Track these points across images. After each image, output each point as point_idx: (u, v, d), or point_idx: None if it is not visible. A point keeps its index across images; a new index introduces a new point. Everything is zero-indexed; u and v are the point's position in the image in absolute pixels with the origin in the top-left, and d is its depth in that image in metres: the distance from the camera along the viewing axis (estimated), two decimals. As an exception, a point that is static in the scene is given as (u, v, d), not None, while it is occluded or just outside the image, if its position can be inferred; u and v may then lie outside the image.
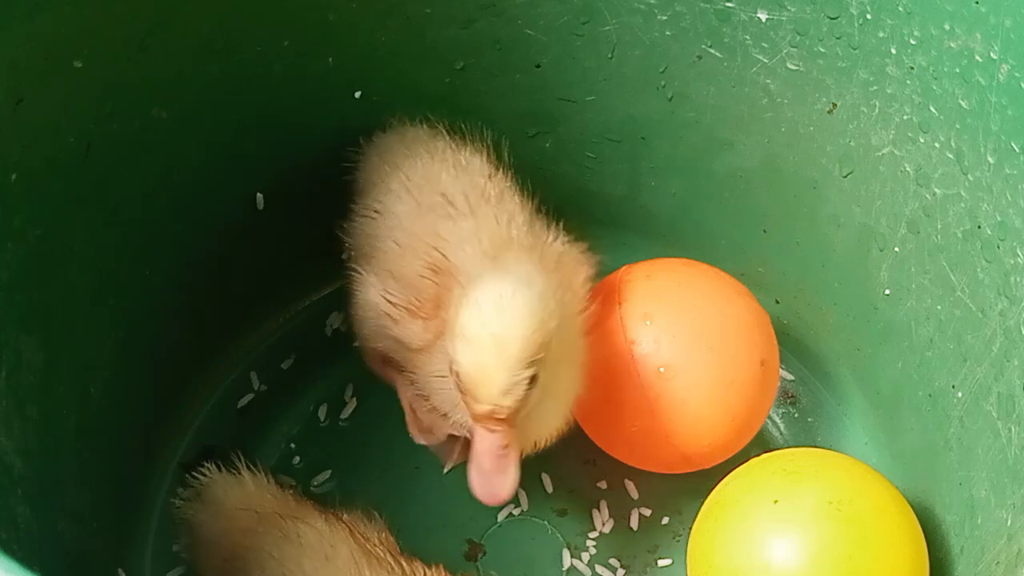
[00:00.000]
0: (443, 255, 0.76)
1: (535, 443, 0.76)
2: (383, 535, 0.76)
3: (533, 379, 0.68)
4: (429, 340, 0.76)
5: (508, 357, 0.67)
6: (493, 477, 0.70)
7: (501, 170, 0.82)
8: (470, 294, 0.69)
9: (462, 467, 0.87)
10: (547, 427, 0.76)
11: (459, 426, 0.78)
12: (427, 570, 0.74)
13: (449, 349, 0.70)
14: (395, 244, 0.79)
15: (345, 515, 0.77)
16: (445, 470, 0.87)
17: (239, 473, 0.78)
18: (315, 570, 0.72)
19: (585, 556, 0.85)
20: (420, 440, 0.87)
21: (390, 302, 0.78)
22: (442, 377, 0.74)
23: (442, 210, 0.78)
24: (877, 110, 0.76)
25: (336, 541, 0.73)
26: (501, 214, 0.78)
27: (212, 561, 0.76)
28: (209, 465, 0.79)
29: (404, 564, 0.73)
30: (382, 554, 0.74)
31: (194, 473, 0.79)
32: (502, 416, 0.68)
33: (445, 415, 0.77)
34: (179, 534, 0.80)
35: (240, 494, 0.77)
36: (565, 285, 0.76)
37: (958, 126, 0.70)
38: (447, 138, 0.83)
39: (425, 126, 0.84)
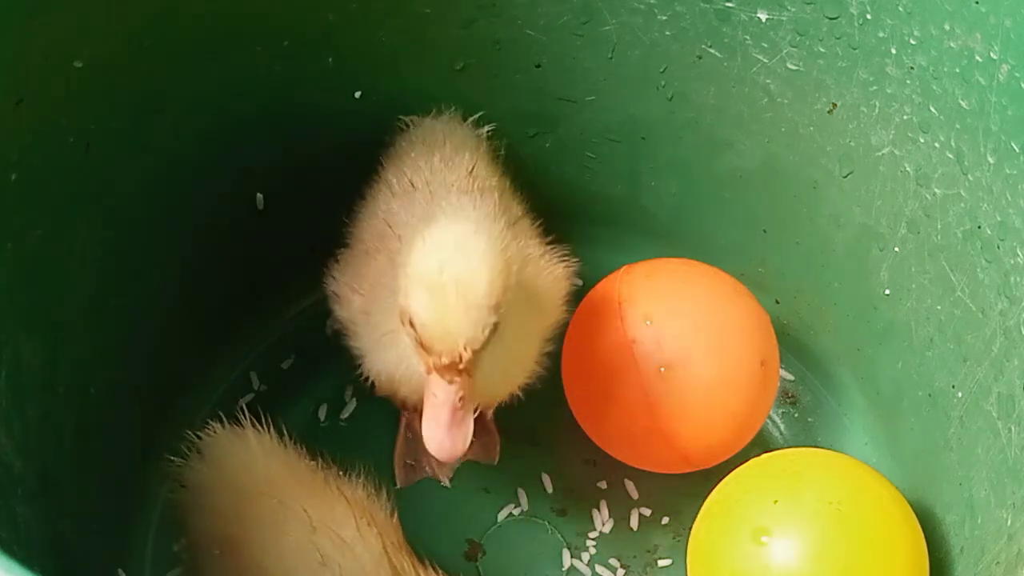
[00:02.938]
0: (396, 234, 0.73)
1: (489, 402, 0.74)
2: (394, 519, 0.76)
3: (495, 327, 0.63)
4: (365, 318, 0.74)
5: (473, 303, 0.62)
6: (450, 431, 0.65)
7: (487, 168, 0.81)
8: (425, 235, 0.64)
9: (463, 466, 0.87)
10: (504, 386, 0.73)
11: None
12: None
13: (401, 298, 0.64)
14: (362, 234, 0.78)
15: (359, 491, 0.76)
16: (445, 482, 0.87)
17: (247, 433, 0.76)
18: None
19: (585, 556, 0.84)
20: (401, 481, 0.86)
21: (335, 279, 0.77)
22: (390, 333, 0.70)
23: (407, 196, 0.76)
24: (877, 110, 0.76)
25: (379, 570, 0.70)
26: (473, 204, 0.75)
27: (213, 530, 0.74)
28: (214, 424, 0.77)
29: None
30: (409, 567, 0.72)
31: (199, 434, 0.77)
32: (462, 367, 0.63)
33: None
34: (174, 489, 0.78)
35: (246, 459, 0.76)
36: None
37: (958, 126, 0.70)
38: (451, 133, 0.83)
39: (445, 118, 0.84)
